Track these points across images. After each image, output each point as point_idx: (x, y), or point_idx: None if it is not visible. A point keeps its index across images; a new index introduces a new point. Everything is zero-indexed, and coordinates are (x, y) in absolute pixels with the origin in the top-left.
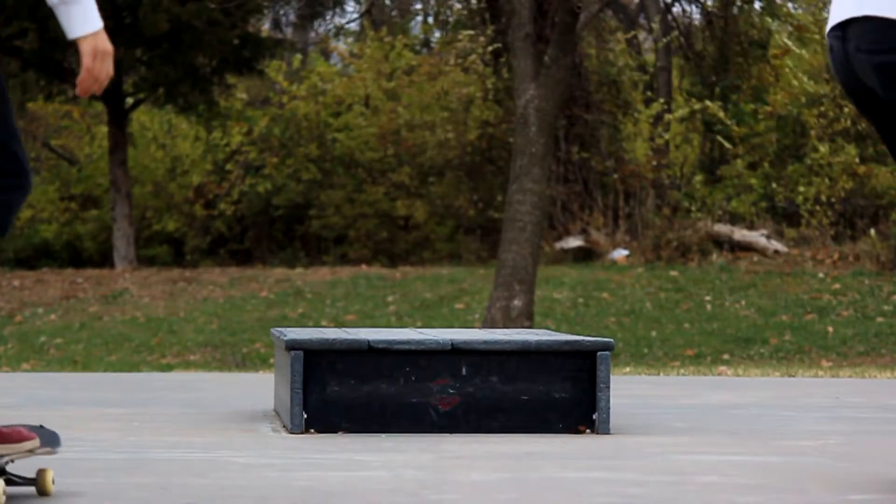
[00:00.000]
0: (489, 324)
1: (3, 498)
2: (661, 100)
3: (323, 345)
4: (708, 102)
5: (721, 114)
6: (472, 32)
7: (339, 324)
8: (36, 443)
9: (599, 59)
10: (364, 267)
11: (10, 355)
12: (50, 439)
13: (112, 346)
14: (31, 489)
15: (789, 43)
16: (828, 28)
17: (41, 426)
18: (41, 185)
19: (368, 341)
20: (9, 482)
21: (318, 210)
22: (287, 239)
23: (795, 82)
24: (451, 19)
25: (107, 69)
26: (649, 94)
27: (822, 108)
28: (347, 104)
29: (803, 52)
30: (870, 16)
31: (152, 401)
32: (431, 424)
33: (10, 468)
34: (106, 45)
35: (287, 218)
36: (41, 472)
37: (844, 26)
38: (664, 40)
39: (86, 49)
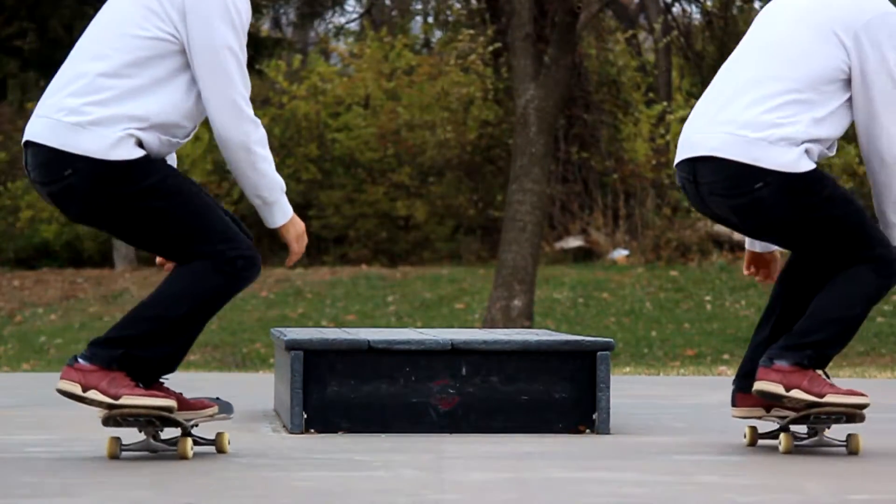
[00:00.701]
0: (489, 324)
1: (191, 453)
2: (665, 103)
3: (323, 345)
4: None
5: None
6: (472, 32)
7: (339, 324)
8: (215, 410)
9: (599, 59)
10: (364, 267)
11: (10, 355)
12: (226, 408)
13: None
14: (212, 448)
15: None
16: (676, 161)
17: (217, 398)
18: None
19: (368, 341)
20: (194, 442)
21: (317, 210)
22: None
23: None
24: (451, 19)
25: (305, 242)
26: (651, 95)
27: None
28: (347, 104)
29: None
30: (719, 157)
31: None
32: (431, 424)
33: (194, 430)
34: (300, 226)
35: None
36: (220, 435)
37: (693, 164)
38: (664, 40)
39: (290, 236)
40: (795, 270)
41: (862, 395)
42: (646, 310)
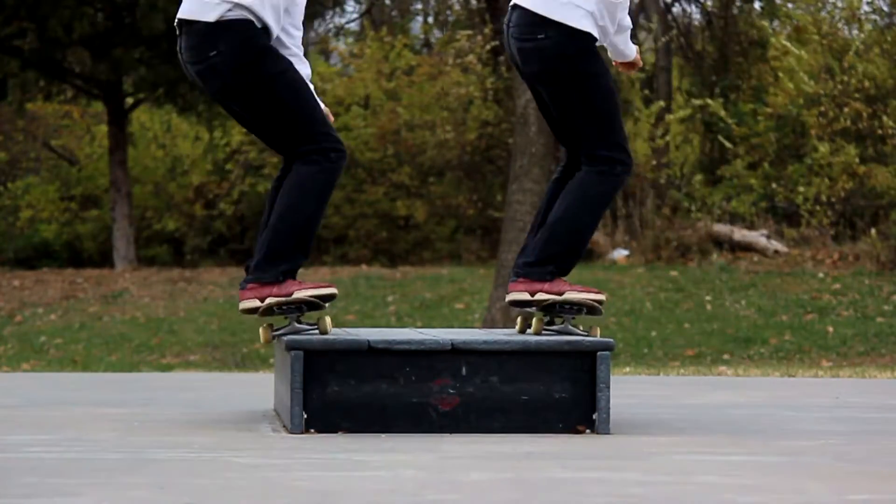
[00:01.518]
0: (489, 324)
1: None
2: (662, 102)
3: (323, 345)
4: (709, 101)
5: (722, 112)
6: (470, 32)
7: (339, 324)
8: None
9: None
10: (364, 267)
11: (10, 355)
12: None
13: (112, 346)
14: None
15: (788, 44)
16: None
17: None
18: (41, 185)
19: (368, 341)
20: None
21: None
22: None
23: (791, 85)
24: (451, 19)
25: None
26: (646, 92)
27: (822, 108)
28: (347, 104)
29: (802, 52)
30: (521, 6)
31: (152, 401)
32: (431, 424)
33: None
34: None
35: None
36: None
37: (511, 9)
38: (663, 39)
39: None
40: (561, 177)
41: (598, 293)
42: (646, 310)
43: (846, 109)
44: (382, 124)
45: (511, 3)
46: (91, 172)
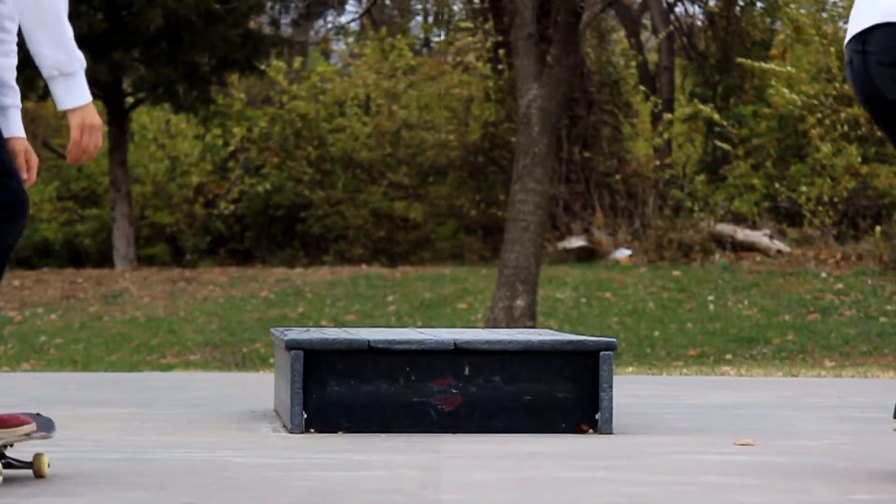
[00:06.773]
0: (492, 324)
1: (1, 479)
2: (658, 99)
3: (323, 345)
4: (701, 106)
5: (716, 116)
6: (472, 28)
7: (339, 324)
8: (32, 427)
9: (601, 59)
10: (364, 267)
11: (10, 355)
12: (45, 425)
13: (112, 346)
14: (29, 472)
15: (782, 59)
16: (847, 40)
17: (38, 413)
18: (41, 184)
19: (368, 341)
20: (7, 465)
21: (317, 210)
22: (287, 239)
23: (794, 93)
24: (452, 19)
25: (94, 141)
26: (643, 88)
27: (820, 115)
28: (347, 104)
29: (798, 61)
30: (891, 22)
31: (152, 401)
32: (431, 424)
33: (8, 452)
34: (94, 118)
35: (287, 218)
36: (37, 457)
37: (865, 35)
38: (662, 34)
39: (75, 122)
40: None
41: None
42: (648, 310)
43: (843, 115)
44: (382, 124)
45: (858, 31)
46: (91, 172)
